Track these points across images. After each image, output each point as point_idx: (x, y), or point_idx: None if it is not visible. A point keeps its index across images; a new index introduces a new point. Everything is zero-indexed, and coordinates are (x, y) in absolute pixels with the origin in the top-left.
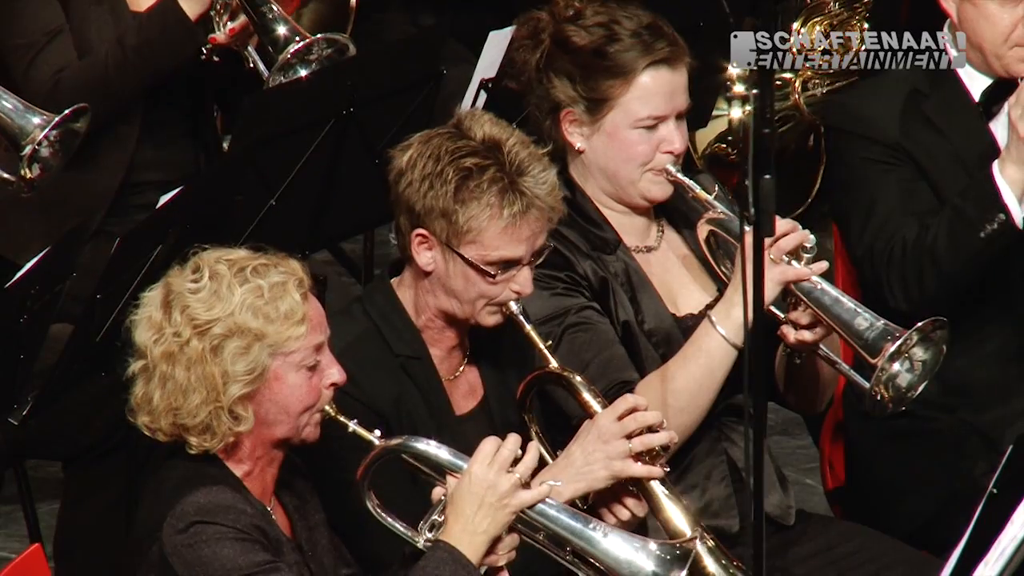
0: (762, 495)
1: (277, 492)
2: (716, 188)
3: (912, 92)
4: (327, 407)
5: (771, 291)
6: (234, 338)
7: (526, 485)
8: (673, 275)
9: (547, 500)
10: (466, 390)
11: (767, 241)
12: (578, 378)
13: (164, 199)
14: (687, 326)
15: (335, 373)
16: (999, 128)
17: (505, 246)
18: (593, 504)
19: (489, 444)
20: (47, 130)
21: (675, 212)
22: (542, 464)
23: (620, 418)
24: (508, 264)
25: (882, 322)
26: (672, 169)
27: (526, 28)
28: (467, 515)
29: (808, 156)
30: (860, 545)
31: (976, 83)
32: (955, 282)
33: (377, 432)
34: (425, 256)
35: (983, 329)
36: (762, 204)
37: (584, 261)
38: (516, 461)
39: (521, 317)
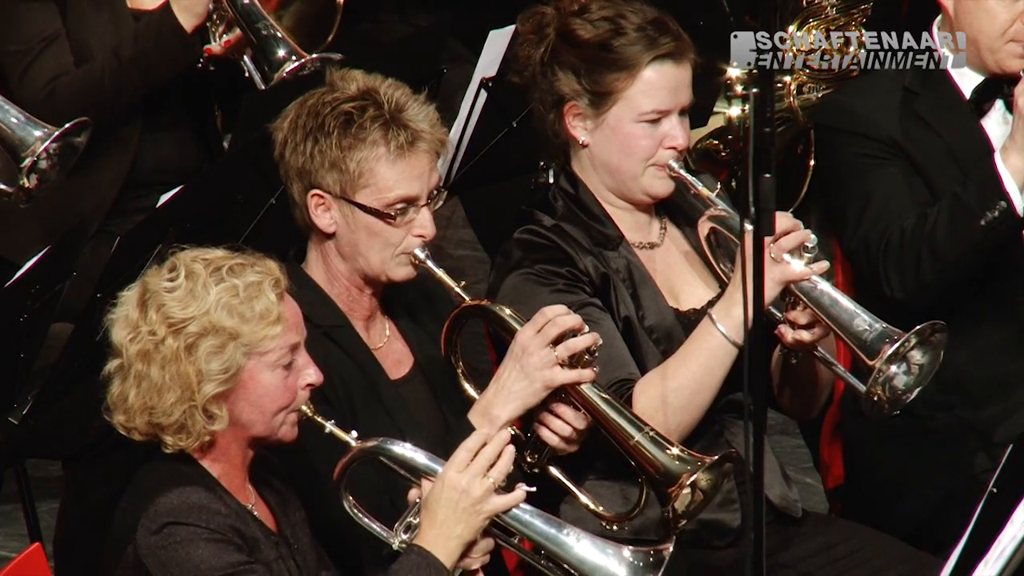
0: (762, 494)
1: (258, 488)
2: (718, 186)
3: (903, 91)
4: (304, 407)
5: (771, 290)
6: (209, 337)
7: (501, 490)
8: (676, 272)
9: (522, 505)
10: (396, 358)
11: (767, 239)
12: (506, 310)
13: (164, 198)
14: (689, 322)
15: (312, 374)
16: (991, 125)
17: (399, 184)
18: (534, 427)
19: (464, 451)
20: (47, 143)
21: (678, 209)
22: (471, 401)
23: (540, 329)
24: (406, 204)
25: (881, 324)
26: (674, 165)
27: (530, 23)
28: (440, 520)
29: (796, 160)
30: (860, 544)
31: (967, 80)
32: (953, 271)
33: (354, 433)
34: (325, 218)
35: (979, 324)
36: (762, 203)
37: (585, 257)
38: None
39: (429, 262)
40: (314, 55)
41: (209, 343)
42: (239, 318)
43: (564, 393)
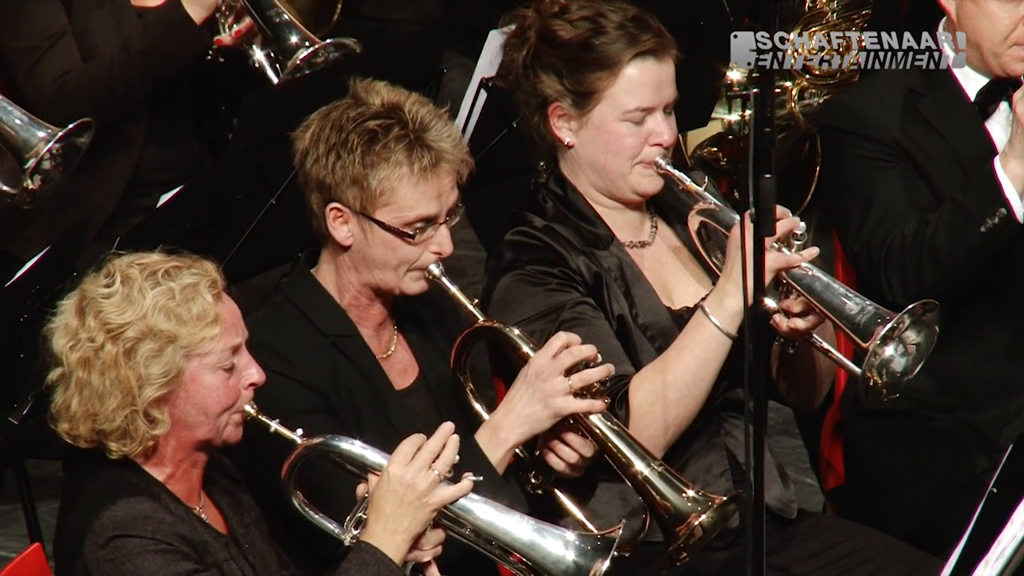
0: (762, 494)
1: (209, 491)
2: (706, 181)
3: (908, 92)
4: (247, 407)
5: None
6: (147, 341)
7: (447, 481)
8: (668, 269)
9: (470, 495)
10: (401, 368)
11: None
12: (515, 331)
13: (164, 198)
14: (683, 320)
15: (254, 373)
16: (995, 128)
17: (419, 204)
18: (539, 451)
19: (408, 444)
20: (51, 143)
21: (668, 207)
22: (479, 420)
23: (554, 356)
24: (425, 223)
25: (873, 306)
26: (661, 162)
27: (512, 27)
28: (387, 514)
29: (801, 164)
30: (859, 544)
31: (972, 82)
32: (954, 277)
33: (299, 431)
34: (342, 231)
35: (981, 327)
36: (763, 203)
37: (577, 257)
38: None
39: (444, 279)
40: (328, 40)
41: (147, 347)
42: (176, 321)
43: (572, 420)
